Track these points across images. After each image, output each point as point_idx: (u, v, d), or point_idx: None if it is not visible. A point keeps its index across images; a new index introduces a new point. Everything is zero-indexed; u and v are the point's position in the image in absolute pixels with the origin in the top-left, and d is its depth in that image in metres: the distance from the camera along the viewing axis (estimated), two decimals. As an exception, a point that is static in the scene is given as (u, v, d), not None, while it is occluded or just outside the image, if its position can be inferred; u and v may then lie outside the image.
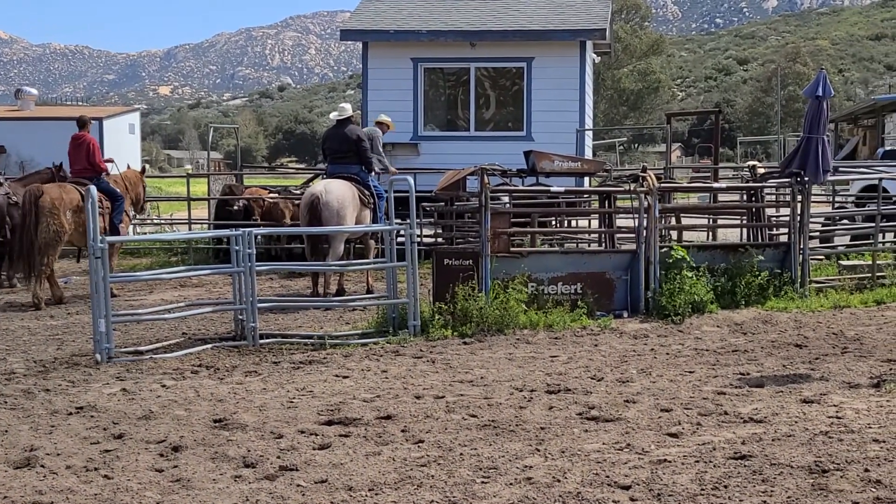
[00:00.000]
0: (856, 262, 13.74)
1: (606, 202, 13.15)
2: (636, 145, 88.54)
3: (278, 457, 6.00)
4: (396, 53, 19.48)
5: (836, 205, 18.51)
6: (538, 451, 6.05)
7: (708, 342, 9.72)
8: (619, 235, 12.99)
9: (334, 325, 11.04)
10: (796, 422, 6.61)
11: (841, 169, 18.27)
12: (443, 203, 15.21)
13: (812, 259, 13.10)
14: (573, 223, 18.73)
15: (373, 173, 13.61)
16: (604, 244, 12.99)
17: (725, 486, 5.31)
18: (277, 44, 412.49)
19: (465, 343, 9.80)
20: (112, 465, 5.90)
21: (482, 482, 5.48)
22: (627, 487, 5.33)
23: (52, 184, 13.77)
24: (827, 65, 75.19)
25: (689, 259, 11.37)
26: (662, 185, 12.56)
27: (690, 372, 8.33)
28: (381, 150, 15.30)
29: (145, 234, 18.58)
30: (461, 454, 6.01)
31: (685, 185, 19.82)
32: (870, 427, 6.42)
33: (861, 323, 10.59)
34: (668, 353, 9.19)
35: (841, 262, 13.88)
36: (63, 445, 6.32)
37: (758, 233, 13.05)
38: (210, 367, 8.81)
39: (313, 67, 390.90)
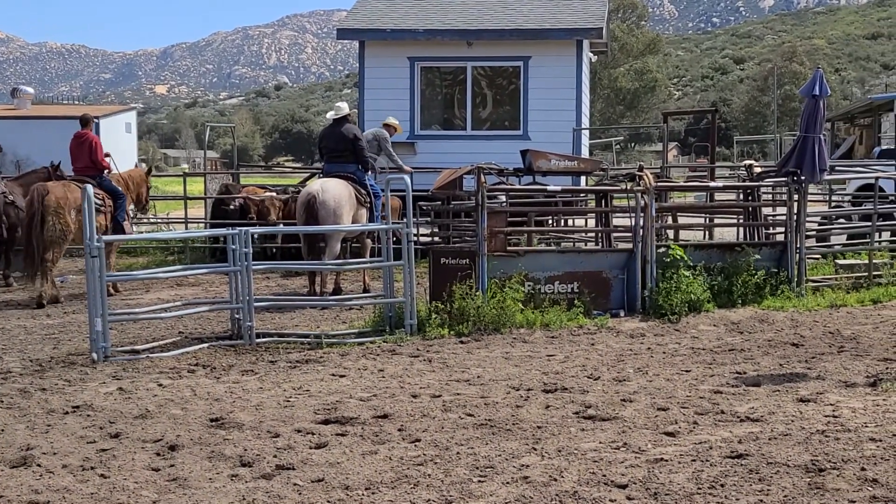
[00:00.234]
0: (852, 261, 13.74)
1: (603, 201, 13.15)
2: (632, 144, 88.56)
3: (275, 456, 5.99)
4: (393, 52, 19.48)
5: (833, 204, 18.53)
6: (535, 450, 6.05)
7: (704, 341, 9.72)
8: (615, 234, 13.00)
9: (331, 325, 11.04)
10: (793, 421, 6.61)
11: (837, 168, 18.28)
12: (439, 202, 15.21)
13: (808, 258, 13.11)
14: (570, 222, 18.74)
15: (369, 172, 13.60)
16: (600, 243, 12.99)
17: (722, 485, 5.31)
18: (274, 43, 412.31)
19: (461, 342, 9.80)
20: (108, 464, 5.90)
21: (479, 481, 5.48)
22: (624, 486, 5.33)
23: (57, 183, 13.81)
24: (823, 64, 75.29)
25: (686, 258, 11.38)
26: (659, 184, 12.56)
27: (687, 371, 8.33)
28: (391, 150, 15.42)
29: (142, 233, 18.56)
30: (458, 453, 6.00)
31: (682, 184, 19.81)
32: (866, 426, 6.42)
33: (857, 322, 10.59)
34: (664, 352, 9.19)
35: (837, 261, 13.88)
36: (59, 445, 6.32)
37: (754, 232, 13.06)
38: (207, 367, 8.80)
39: (310, 66, 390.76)
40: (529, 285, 11.06)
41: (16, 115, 37.77)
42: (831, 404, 7.04)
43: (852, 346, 9.27)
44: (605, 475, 5.51)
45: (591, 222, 17.34)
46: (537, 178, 14.38)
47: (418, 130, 19.45)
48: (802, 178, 12.02)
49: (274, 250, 17.39)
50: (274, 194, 17.55)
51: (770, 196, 14.13)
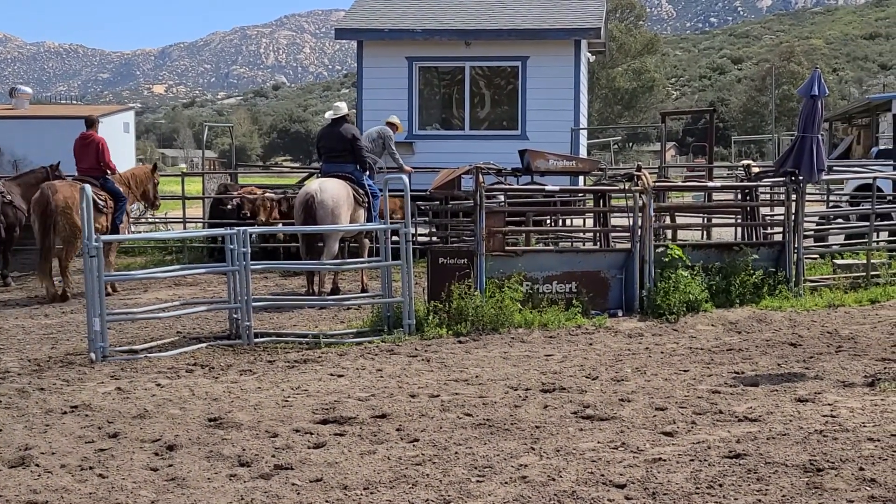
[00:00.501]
0: (850, 261, 13.75)
1: (601, 201, 13.15)
2: (630, 144, 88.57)
3: (273, 456, 5.99)
4: (391, 52, 19.48)
5: (831, 204, 18.53)
6: (533, 449, 6.06)
7: (702, 341, 9.73)
8: (613, 234, 12.99)
9: (329, 324, 11.03)
10: (791, 420, 6.62)
11: (835, 168, 18.28)
12: (438, 202, 15.20)
13: (806, 258, 13.12)
14: (568, 222, 18.74)
15: (367, 172, 13.60)
16: (599, 243, 12.99)
17: (720, 485, 5.31)
18: (272, 42, 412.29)
19: (460, 342, 9.80)
20: (107, 464, 5.90)
21: (477, 481, 5.49)
22: (622, 486, 5.34)
23: (65, 183, 13.87)
24: (821, 64, 75.37)
25: (684, 258, 11.38)
26: (657, 183, 12.56)
27: (685, 371, 8.33)
28: (393, 148, 15.52)
29: (140, 232, 18.55)
30: (456, 453, 6.01)
31: (680, 184, 19.81)
32: (864, 426, 6.43)
33: (855, 322, 10.60)
34: (662, 352, 9.19)
35: (835, 261, 13.89)
36: (58, 444, 6.31)
37: (752, 232, 13.06)
38: (205, 366, 8.80)
39: (308, 66, 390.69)
40: (528, 285, 11.06)
41: (13, 114, 37.76)
42: (829, 404, 7.05)
43: (850, 345, 9.28)
44: (603, 475, 5.52)
45: (590, 222, 17.34)
46: (535, 177, 14.38)
47: (416, 130, 19.45)
48: (800, 178, 12.03)
49: (279, 250, 17.34)
50: (272, 194, 17.53)
51: (768, 196, 14.14)
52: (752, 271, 11.68)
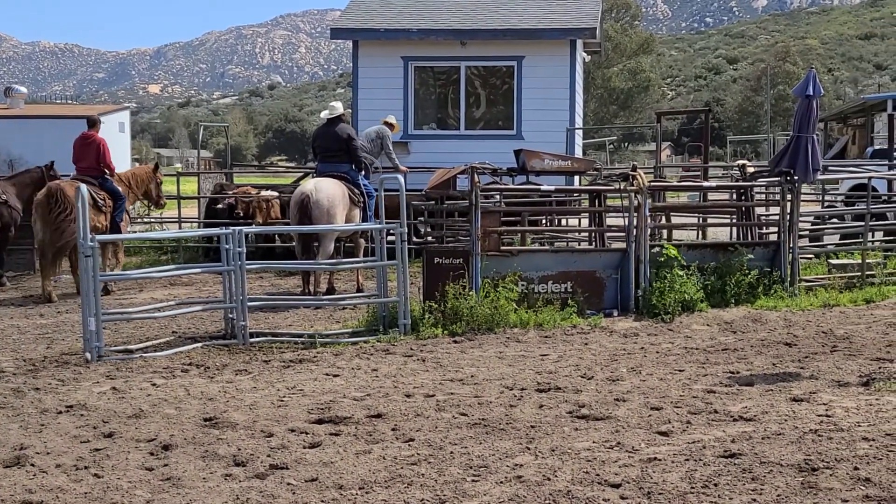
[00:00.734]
0: (845, 260, 13.77)
1: (597, 201, 13.16)
2: (626, 144, 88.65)
3: (268, 455, 5.99)
4: (387, 52, 19.48)
5: (826, 204, 18.57)
6: (528, 449, 6.06)
7: (698, 341, 9.74)
8: (609, 234, 13.00)
9: (325, 324, 11.03)
10: (786, 420, 6.63)
11: (830, 168, 18.32)
12: (433, 202, 15.20)
13: (801, 258, 13.13)
14: (563, 222, 18.74)
15: (362, 172, 13.60)
16: (594, 243, 13.00)
17: (715, 485, 5.32)
18: (267, 42, 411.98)
19: (455, 342, 9.80)
20: (102, 463, 5.89)
21: (472, 480, 5.49)
22: (618, 486, 5.34)
23: (66, 182, 13.84)
24: (816, 64, 75.42)
25: (679, 258, 11.39)
26: (652, 183, 12.57)
27: (680, 370, 8.34)
28: (391, 148, 15.53)
29: (135, 232, 18.53)
30: (451, 453, 6.01)
31: (675, 183, 19.83)
32: (859, 425, 6.44)
33: (850, 321, 10.62)
34: (657, 352, 9.20)
35: (830, 260, 13.91)
36: (53, 444, 6.31)
37: (747, 232, 13.07)
38: (200, 366, 8.79)
39: (303, 66, 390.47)
40: (523, 285, 11.06)
41: (9, 114, 37.72)
42: (824, 404, 7.06)
43: (845, 345, 9.29)
44: (598, 474, 5.52)
45: (585, 222, 17.34)
46: (531, 177, 14.39)
47: (412, 130, 19.45)
48: (795, 177, 12.05)
49: (277, 248, 17.32)
50: (273, 192, 17.52)
51: (763, 196, 14.15)
52: (747, 271, 11.69)
